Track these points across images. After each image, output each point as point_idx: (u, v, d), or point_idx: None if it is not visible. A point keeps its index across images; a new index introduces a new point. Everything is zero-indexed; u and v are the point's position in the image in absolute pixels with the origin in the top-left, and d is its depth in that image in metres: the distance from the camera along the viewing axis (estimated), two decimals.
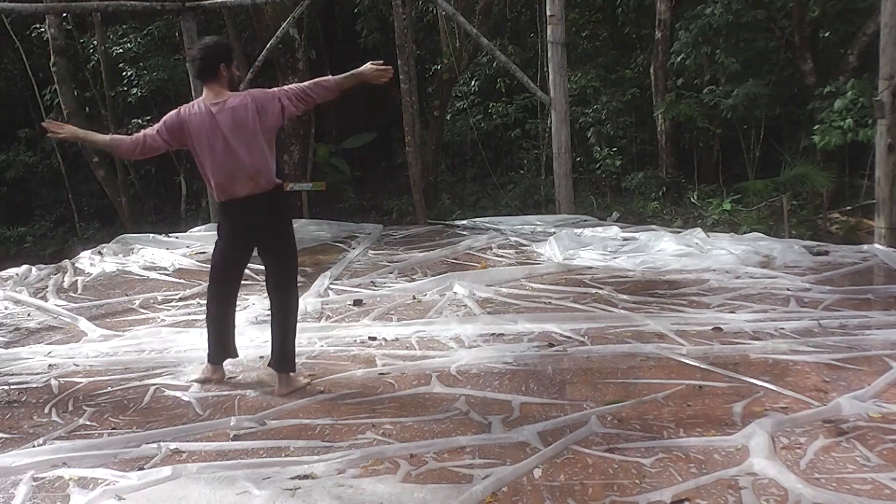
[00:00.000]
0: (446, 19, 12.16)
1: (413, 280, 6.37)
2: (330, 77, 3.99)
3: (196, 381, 4.22)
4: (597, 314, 5.00)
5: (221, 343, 4.23)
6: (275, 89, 3.96)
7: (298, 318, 5.34)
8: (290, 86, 3.98)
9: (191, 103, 3.94)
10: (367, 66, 3.89)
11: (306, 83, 3.97)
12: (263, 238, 4.06)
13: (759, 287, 5.47)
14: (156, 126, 3.93)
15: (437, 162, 13.23)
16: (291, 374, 4.06)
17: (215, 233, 4.36)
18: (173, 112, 3.94)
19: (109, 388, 4.21)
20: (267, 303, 5.93)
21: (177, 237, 9.17)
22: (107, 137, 4.08)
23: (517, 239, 7.99)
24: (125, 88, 12.76)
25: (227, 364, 4.50)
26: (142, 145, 3.90)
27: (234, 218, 4.01)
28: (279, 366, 4.03)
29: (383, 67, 3.86)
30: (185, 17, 10.16)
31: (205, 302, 6.15)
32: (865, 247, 6.53)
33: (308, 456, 3.16)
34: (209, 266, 4.35)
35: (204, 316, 4.34)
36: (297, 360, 4.26)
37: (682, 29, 10.37)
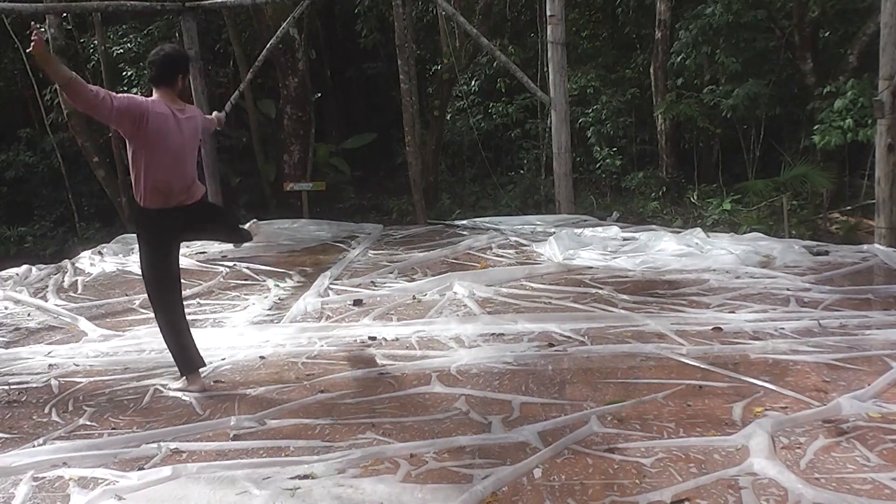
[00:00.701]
0: (446, 19, 12.16)
1: (413, 280, 6.37)
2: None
3: (179, 389, 4.12)
4: (597, 314, 5.00)
5: (192, 349, 4.13)
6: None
7: (299, 318, 5.43)
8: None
9: (151, 100, 3.87)
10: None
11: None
12: (197, 220, 4.17)
13: (759, 287, 5.47)
14: (112, 95, 3.70)
15: (437, 162, 13.24)
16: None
17: None
18: (137, 98, 3.86)
19: (109, 388, 4.21)
20: (268, 303, 5.98)
21: None
22: (69, 74, 3.57)
23: (517, 239, 7.99)
24: (125, 88, 12.75)
25: (228, 363, 4.51)
26: (96, 103, 3.62)
27: (170, 223, 3.99)
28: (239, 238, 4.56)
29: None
30: (185, 17, 10.16)
31: (204, 302, 6.21)
32: (865, 247, 6.53)
33: (308, 456, 3.16)
34: (150, 277, 4.08)
35: (172, 324, 4.11)
36: (296, 360, 4.36)
37: (682, 29, 10.37)
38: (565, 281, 6.02)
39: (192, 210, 4.05)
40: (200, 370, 4.16)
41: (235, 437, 3.43)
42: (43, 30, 3.82)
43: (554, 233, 7.73)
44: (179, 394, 4.04)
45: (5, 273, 7.58)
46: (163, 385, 4.17)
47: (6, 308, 6.31)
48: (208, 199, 4.36)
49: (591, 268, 6.38)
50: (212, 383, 4.19)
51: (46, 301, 6.44)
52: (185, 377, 4.11)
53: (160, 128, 3.80)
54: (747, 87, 9.71)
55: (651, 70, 12.02)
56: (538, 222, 8.90)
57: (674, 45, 10.69)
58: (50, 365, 4.67)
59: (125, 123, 3.75)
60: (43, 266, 8.02)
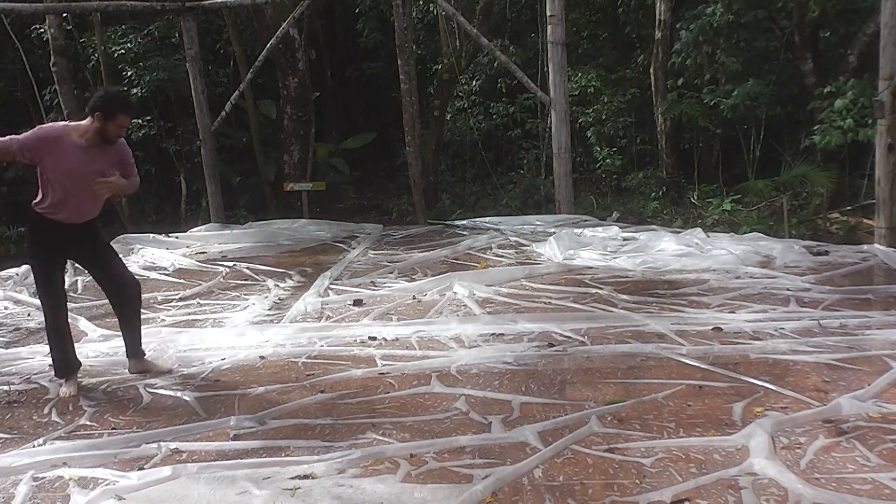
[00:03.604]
0: (446, 19, 12.15)
1: (413, 280, 6.37)
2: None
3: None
4: (597, 314, 5.00)
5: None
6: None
7: (299, 318, 5.43)
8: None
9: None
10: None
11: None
12: None
13: (759, 287, 5.47)
14: None
15: (437, 162, 13.22)
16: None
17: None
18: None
19: (109, 389, 4.21)
20: (268, 303, 5.98)
21: (177, 237, 9.17)
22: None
23: (517, 239, 7.99)
24: (125, 88, 12.74)
25: (228, 363, 4.52)
26: None
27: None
28: None
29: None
30: (185, 17, 10.17)
31: (204, 302, 6.21)
32: (865, 247, 6.54)
33: (308, 456, 3.16)
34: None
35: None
36: (296, 360, 4.33)
37: (682, 29, 10.36)
38: (565, 281, 6.02)
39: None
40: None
41: (235, 437, 3.43)
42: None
43: (554, 233, 7.73)
44: (179, 393, 4.04)
45: (5, 273, 7.58)
46: (164, 385, 4.17)
47: (6, 308, 6.31)
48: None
49: (591, 268, 6.38)
50: (212, 383, 4.19)
51: None
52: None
53: None
54: (747, 87, 9.70)
55: (651, 70, 12.01)
56: (538, 222, 8.90)
57: (675, 45, 10.67)
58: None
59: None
60: None
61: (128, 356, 4.48)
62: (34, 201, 4.10)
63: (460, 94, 13.90)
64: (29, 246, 4.22)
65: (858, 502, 2.58)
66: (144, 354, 4.51)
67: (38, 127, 4.04)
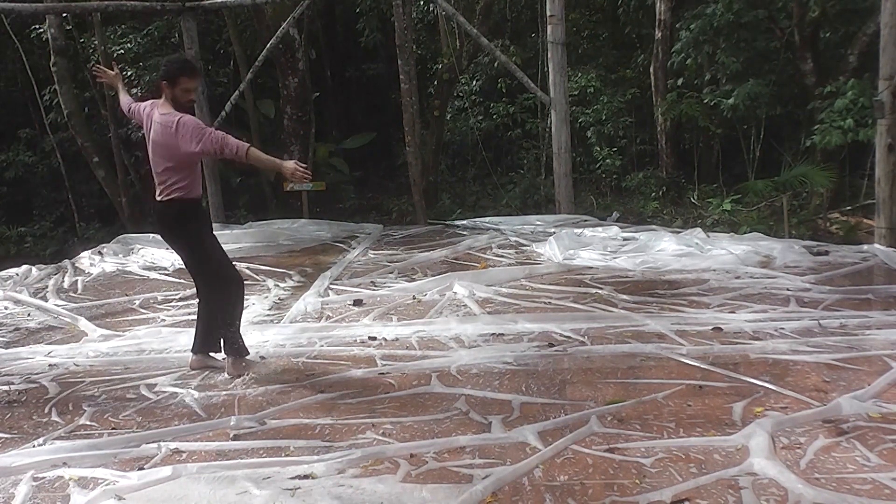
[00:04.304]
0: (446, 19, 12.16)
1: (413, 280, 6.37)
2: (246, 145, 4.07)
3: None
4: (597, 314, 5.00)
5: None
6: (204, 128, 4.02)
7: (299, 318, 5.44)
8: (217, 131, 4.05)
9: (153, 101, 4.27)
10: (290, 164, 4.18)
11: (226, 139, 4.02)
12: (168, 239, 4.40)
13: (759, 287, 5.47)
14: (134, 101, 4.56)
15: (437, 162, 13.23)
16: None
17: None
18: (147, 101, 4.37)
19: (109, 389, 4.21)
20: (268, 303, 5.99)
21: None
22: (125, 99, 4.70)
23: (517, 239, 7.99)
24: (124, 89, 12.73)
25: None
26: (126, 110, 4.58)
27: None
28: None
29: (302, 168, 4.15)
30: (185, 17, 10.17)
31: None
32: (865, 247, 6.53)
33: (308, 456, 3.16)
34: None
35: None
36: (296, 360, 4.36)
37: (682, 29, 10.37)
38: (565, 281, 6.02)
39: (163, 214, 4.29)
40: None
41: (235, 437, 3.43)
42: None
43: (554, 233, 7.73)
44: (179, 392, 4.03)
45: (5, 273, 7.58)
46: (164, 385, 4.17)
47: (6, 308, 6.31)
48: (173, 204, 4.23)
49: (591, 268, 6.38)
50: (212, 383, 4.19)
51: (46, 301, 6.44)
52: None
53: (144, 125, 4.31)
54: (748, 87, 9.70)
55: (651, 70, 12.02)
56: (538, 222, 8.90)
57: (675, 45, 10.68)
58: (50, 365, 4.67)
59: (139, 122, 4.50)
60: (43, 266, 8.02)
61: (193, 351, 4.47)
62: (184, 194, 4.16)
63: (460, 94, 13.90)
64: (190, 232, 4.27)
65: (858, 502, 2.58)
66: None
67: (186, 116, 4.04)
